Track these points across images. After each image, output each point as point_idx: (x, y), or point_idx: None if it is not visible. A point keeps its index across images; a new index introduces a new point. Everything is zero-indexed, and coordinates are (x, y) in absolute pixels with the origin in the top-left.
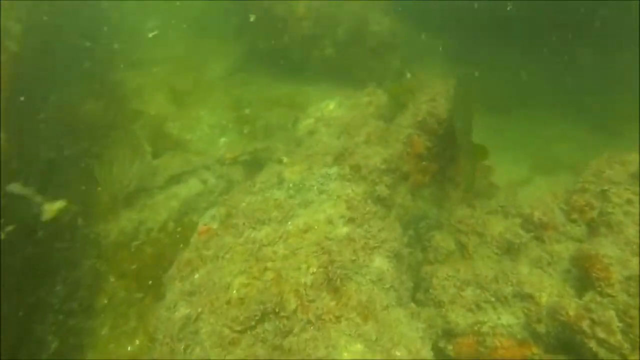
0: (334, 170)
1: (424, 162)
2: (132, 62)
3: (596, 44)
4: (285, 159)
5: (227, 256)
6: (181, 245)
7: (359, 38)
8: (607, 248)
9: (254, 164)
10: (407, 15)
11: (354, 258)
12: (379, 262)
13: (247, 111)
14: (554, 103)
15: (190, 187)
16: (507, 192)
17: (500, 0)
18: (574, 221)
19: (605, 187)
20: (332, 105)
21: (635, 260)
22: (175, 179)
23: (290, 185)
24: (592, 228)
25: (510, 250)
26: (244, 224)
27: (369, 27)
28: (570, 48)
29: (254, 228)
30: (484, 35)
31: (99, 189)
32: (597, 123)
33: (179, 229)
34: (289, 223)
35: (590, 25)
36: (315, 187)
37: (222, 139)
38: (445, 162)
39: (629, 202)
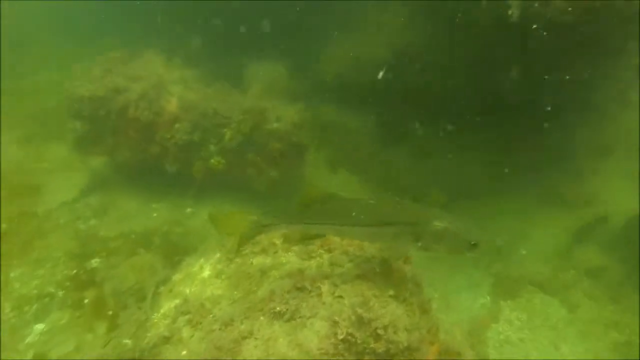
0: None
1: None
2: None
3: None
4: None
5: None
6: None
7: (255, 140)
8: None
9: None
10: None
11: None
12: None
13: (94, 263)
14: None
15: None
16: None
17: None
18: None
19: None
20: (207, 271)
21: None
22: None
23: None
24: None
25: None
26: None
27: (266, 125)
28: None
29: None
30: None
31: None
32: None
33: None
34: None
35: None
36: None
37: (37, 327)
38: None
39: None
